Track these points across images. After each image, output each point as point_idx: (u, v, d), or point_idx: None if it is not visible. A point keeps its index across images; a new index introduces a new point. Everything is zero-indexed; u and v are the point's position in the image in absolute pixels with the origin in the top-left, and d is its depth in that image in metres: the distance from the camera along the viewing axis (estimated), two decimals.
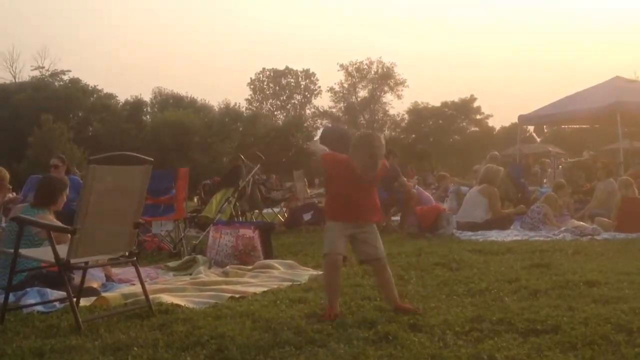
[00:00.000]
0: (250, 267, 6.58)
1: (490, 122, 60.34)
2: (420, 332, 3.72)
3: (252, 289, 5.35)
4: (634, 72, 42.21)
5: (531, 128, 26.30)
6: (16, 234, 4.51)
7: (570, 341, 3.40)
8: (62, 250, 4.28)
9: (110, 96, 55.26)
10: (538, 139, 45.29)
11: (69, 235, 4.27)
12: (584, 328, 3.62)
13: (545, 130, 42.73)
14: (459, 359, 3.15)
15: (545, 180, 16.78)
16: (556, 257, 6.65)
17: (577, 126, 24.21)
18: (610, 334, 3.48)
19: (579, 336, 3.46)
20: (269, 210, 13.24)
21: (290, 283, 5.67)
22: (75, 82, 53.76)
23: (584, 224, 9.31)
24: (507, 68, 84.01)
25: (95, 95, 54.51)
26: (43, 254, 4.64)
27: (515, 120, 17.79)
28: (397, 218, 11.34)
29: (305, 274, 6.12)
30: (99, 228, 4.39)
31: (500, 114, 79.29)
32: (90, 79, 57.82)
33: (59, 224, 5.04)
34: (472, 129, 59.90)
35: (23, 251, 4.55)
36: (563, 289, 4.81)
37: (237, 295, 5.09)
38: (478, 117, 59.86)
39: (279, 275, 6.12)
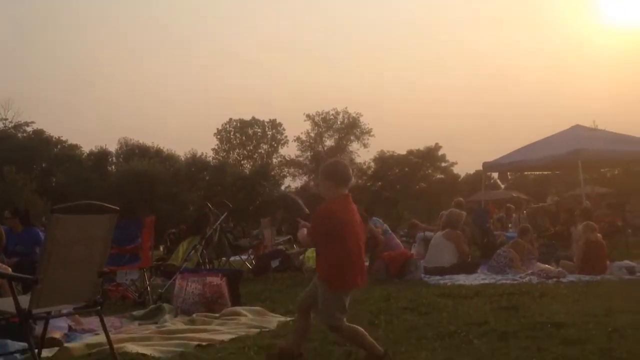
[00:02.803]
0: (217, 314, 6.48)
1: (455, 170, 61.10)
2: None
3: (219, 337, 5.26)
4: (593, 120, 43.34)
5: (495, 175, 26.68)
6: None
7: None
8: (24, 300, 4.18)
9: (75, 147, 54.74)
10: (502, 186, 45.91)
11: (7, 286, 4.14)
12: None
13: (509, 177, 43.39)
14: None
15: (510, 225, 16.96)
16: (524, 299, 6.69)
17: (540, 173, 24.64)
18: None
19: None
20: (237, 257, 13.12)
21: (259, 330, 5.60)
22: (39, 133, 53.22)
23: (549, 267, 9.41)
24: (471, 117, 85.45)
25: (59, 146, 53.95)
26: (4, 304, 4.51)
27: (480, 167, 18.05)
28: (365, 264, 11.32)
29: (274, 320, 6.05)
30: (62, 277, 4.29)
31: (465, 161, 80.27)
32: (54, 130, 57.06)
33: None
34: (438, 176, 60.53)
35: None
36: (531, 330, 4.83)
37: (204, 343, 5.00)
38: (443, 164, 60.60)
39: (247, 322, 6.04)
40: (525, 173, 31.04)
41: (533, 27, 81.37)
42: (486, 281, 8.84)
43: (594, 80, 79.16)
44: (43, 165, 51.71)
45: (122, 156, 56.64)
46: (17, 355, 4.64)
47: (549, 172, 21.31)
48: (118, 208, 4.65)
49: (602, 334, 4.60)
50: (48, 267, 4.15)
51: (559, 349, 4.15)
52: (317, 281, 4.20)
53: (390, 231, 11.87)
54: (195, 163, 55.25)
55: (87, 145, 58.03)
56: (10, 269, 5.23)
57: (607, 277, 8.66)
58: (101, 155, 54.31)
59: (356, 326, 4.17)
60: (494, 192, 34.66)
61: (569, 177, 20.10)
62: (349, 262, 4.12)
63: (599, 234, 9.75)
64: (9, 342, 4.85)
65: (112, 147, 57.30)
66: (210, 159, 60.19)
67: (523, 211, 17.16)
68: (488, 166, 17.57)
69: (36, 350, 4.15)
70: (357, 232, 4.21)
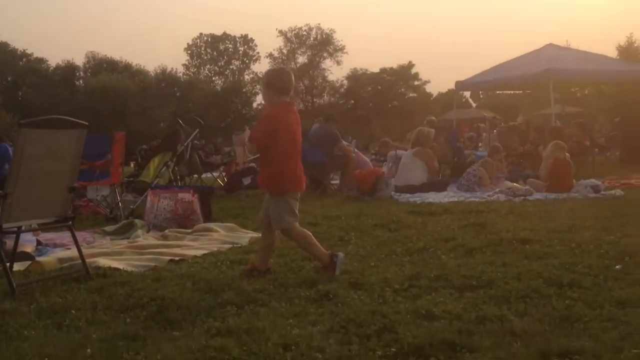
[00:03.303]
0: (189, 230, 6.53)
1: (428, 88, 61.03)
2: (360, 290, 3.78)
3: (192, 252, 5.31)
4: (566, 40, 43.20)
5: (467, 94, 26.69)
6: None
7: (504, 295, 3.52)
8: None
9: (41, 60, 53.32)
10: (474, 105, 46.03)
11: None
12: (517, 283, 3.75)
13: (481, 96, 43.44)
14: (398, 314, 3.21)
15: (480, 144, 17.13)
16: (491, 216, 6.83)
17: (512, 92, 24.69)
18: (541, 288, 3.61)
19: (513, 290, 3.58)
20: (208, 174, 13.12)
21: (231, 245, 5.66)
22: (3, 46, 51.57)
23: (517, 185, 9.57)
24: (444, 35, 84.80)
25: (24, 59, 52.51)
26: None
27: (452, 86, 18.04)
28: (336, 182, 11.42)
29: (246, 236, 6.11)
30: (32, 192, 4.27)
31: (438, 80, 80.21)
32: (18, 43, 55.32)
33: None
34: (410, 94, 60.44)
35: None
36: (497, 246, 4.96)
37: (176, 258, 5.05)
38: (416, 83, 60.43)
39: (219, 237, 6.09)
40: (497, 92, 31.07)
41: None
42: (455, 199, 8.97)
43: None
44: (8, 78, 50.42)
45: (90, 70, 55.38)
46: None
47: (521, 92, 21.35)
48: (87, 123, 4.58)
49: (566, 249, 4.73)
50: (17, 182, 4.12)
51: (523, 264, 4.27)
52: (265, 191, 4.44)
53: (356, 150, 11.93)
54: (166, 79, 54.35)
55: (54, 59, 56.64)
56: None
57: (572, 195, 8.84)
58: (68, 69, 53.05)
59: (307, 231, 4.41)
60: (466, 111, 34.79)
61: (540, 96, 20.16)
62: (287, 167, 4.28)
63: (567, 153, 9.90)
64: None
65: (80, 62, 55.94)
66: (181, 74, 59.19)
67: (493, 130, 17.30)
68: (460, 85, 17.56)
69: (8, 264, 4.15)
70: (297, 140, 4.34)
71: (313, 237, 4.39)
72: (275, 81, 4.35)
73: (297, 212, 4.33)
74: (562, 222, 6.18)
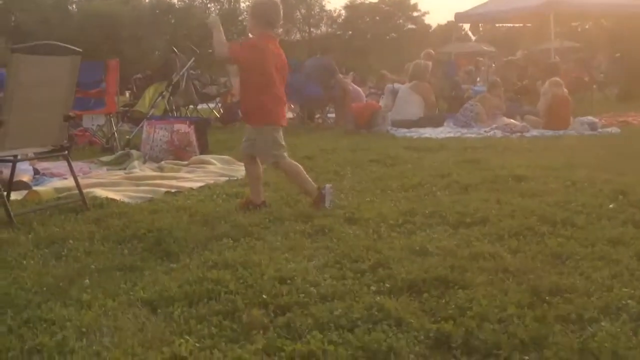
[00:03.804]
0: (185, 162, 6.53)
1: (427, 20, 60.22)
2: (355, 225, 3.81)
3: (188, 184, 5.34)
4: None
5: (467, 27, 26.32)
6: None
7: (497, 232, 3.55)
8: None
9: None
10: (473, 38, 45.45)
11: None
12: (511, 220, 3.78)
13: (481, 30, 42.88)
14: (392, 250, 3.25)
15: (478, 79, 16.98)
16: (487, 153, 6.84)
17: (511, 25, 24.35)
18: (535, 226, 3.64)
19: (506, 227, 3.61)
20: (204, 105, 13.03)
21: (227, 178, 5.69)
22: None
23: (514, 121, 9.54)
24: None
25: None
26: None
27: (452, 18, 17.77)
28: (332, 115, 11.37)
29: (242, 169, 6.06)
30: (26, 120, 4.24)
31: (437, 11, 78.95)
32: None
33: None
34: (409, 26, 59.56)
35: None
36: (492, 183, 4.98)
37: (173, 190, 5.07)
38: (415, 14, 59.46)
39: (215, 170, 6.11)
40: (497, 25, 30.62)
41: None
42: (451, 135, 8.97)
43: None
44: (0, 2, 49.33)
45: None
46: None
47: (521, 25, 21.07)
48: (81, 50, 4.51)
49: (560, 187, 4.76)
50: (11, 109, 4.08)
51: (517, 201, 4.30)
52: (248, 125, 4.42)
53: (352, 84, 11.84)
54: (160, 5, 53.24)
55: None
56: None
57: (569, 133, 8.85)
58: None
59: (297, 164, 4.42)
60: (465, 45, 34.29)
61: (539, 30, 19.90)
62: (268, 99, 4.24)
63: (565, 89, 9.83)
64: None
65: None
66: (176, 1, 58.03)
67: (492, 64, 17.14)
68: (460, 17, 17.33)
69: (5, 193, 4.16)
70: (278, 76, 4.27)
71: (304, 172, 4.39)
72: (261, 12, 4.26)
73: (283, 143, 4.32)
74: (558, 159, 6.19)
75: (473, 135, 8.79)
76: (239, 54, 4.26)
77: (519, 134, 8.76)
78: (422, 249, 3.25)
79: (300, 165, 4.44)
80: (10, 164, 4.46)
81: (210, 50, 4.40)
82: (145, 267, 3.09)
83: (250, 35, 4.51)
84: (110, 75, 8.65)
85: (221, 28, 4.20)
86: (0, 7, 48.98)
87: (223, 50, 4.17)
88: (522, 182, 4.97)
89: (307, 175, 4.41)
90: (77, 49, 4.48)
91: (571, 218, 3.78)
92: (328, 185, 4.35)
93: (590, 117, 9.38)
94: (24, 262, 3.20)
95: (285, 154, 4.36)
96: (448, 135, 8.96)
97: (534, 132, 8.95)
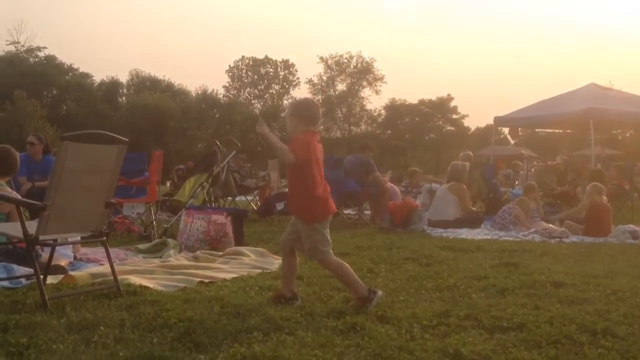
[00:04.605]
0: (221, 253, 6.55)
1: (466, 122, 60.79)
2: (387, 324, 3.73)
3: (221, 275, 5.33)
4: (609, 80, 42.79)
5: (506, 130, 26.52)
6: None
7: (535, 339, 3.44)
8: (31, 226, 4.23)
9: (86, 75, 54.57)
10: (512, 141, 45.67)
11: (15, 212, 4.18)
12: (549, 327, 3.67)
13: (520, 133, 43.12)
14: (425, 352, 3.17)
15: (517, 182, 16.95)
16: (525, 257, 6.73)
17: (551, 130, 24.48)
18: (574, 334, 3.52)
19: (544, 335, 3.50)
20: (242, 198, 13.19)
21: (261, 270, 5.67)
22: (50, 59, 52.96)
23: (552, 226, 9.43)
24: (485, 70, 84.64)
25: (70, 74, 53.77)
26: (11, 228, 4.58)
27: (491, 122, 17.92)
28: (368, 212, 11.39)
29: (276, 262, 6.11)
30: (69, 205, 4.34)
31: (476, 114, 80.00)
32: (66, 57, 56.74)
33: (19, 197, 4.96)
34: (448, 128, 60.24)
35: None
36: (530, 288, 4.86)
37: (206, 280, 5.07)
38: (454, 116, 60.23)
39: (249, 262, 6.11)
40: (536, 130, 30.85)
41: None
42: (489, 237, 8.87)
43: (613, 40, 77.83)
44: (54, 92, 51.61)
45: (133, 88, 56.49)
46: (23, 280, 4.72)
47: (560, 131, 21.16)
48: (127, 140, 4.65)
49: (601, 295, 4.63)
50: (56, 195, 4.19)
51: (556, 308, 4.18)
52: (294, 219, 4.36)
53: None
54: (206, 99, 55.06)
55: (98, 75, 57.99)
56: (19, 196, 5.25)
57: (610, 240, 8.68)
58: (112, 86, 54.20)
59: (343, 262, 4.36)
60: (503, 148, 34.45)
61: (580, 136, 19.95)
62: (319, 194, 4.23)
63: (604, 197, 9.74)
64: (15, 266, 4.94)
65: (123, 78, 57.11)
66: (221, 96, 59.96)
67: (531, 169, 17.12)
68: (499, 120, 17.43)
69: (41, 276, 4.22)
70: (321, 168, 4.30)
71: (349, 267, 4.34)
72: (302, 111, 4.31)
73: (329, 238, 4.29)
74: (598, 267, 6.05)
75: (511, 238, 8.68)
76: (301, 156, 4.16)
77: (558, 239, 8.63)
78: (456, 353, 3.16)
79: (346, 264, 4.36)
80: (50, 247, 4.54)
81: (260, 149, 4.47)
82: (173, 358, 3.05)
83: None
84: (154, 165, 8.89)
85: (271, 133, 4.21)
86: (54, 96, 51.21)
87: (289, 157, 4.12)
88: (561, 289, 4.85)
89: (355, 275, 4.31)
90: (124, 139, 4.62)
91: (612, 328, 3.65)
92: (381, 293, 4.25)
93: (632, 226, 9.21)
94: (54, 346, 3.19)
95: (331, 251, 4.31)
96: (485, 237, 8.87)
97: (574, 238, 8.81)
